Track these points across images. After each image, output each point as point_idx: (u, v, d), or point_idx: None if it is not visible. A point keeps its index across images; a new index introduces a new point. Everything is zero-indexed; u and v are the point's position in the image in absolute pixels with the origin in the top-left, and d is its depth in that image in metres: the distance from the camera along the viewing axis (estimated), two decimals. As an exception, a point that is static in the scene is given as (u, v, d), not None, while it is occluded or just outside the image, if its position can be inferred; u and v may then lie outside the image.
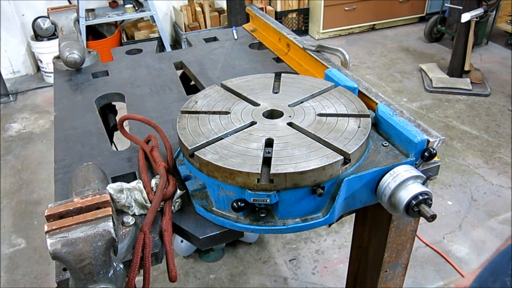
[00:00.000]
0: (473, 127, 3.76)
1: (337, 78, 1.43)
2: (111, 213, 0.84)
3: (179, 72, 1.95)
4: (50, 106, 4.13)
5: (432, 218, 1.01)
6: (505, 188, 3.03)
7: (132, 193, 1.08)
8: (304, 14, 5.59)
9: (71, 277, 0.85)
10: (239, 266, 2.52)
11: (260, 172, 1.00)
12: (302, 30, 5.69)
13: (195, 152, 1.08)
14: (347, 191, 1.09)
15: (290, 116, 1.22)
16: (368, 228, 1.43)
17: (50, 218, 0.82)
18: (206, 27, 5.18)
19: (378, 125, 1.28)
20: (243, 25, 2.40)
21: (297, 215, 1.07)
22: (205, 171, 1.07)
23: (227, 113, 1.25)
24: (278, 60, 1.95)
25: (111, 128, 1.91)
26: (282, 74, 1.47)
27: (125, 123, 1.38)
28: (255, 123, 1.20)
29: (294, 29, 5.59)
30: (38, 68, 4.94)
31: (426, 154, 1.14)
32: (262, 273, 2.47)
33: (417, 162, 1.15)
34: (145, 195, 1.09)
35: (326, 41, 5.60)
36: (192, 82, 1.99)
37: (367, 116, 1.21)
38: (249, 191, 1.01)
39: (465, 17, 3.89)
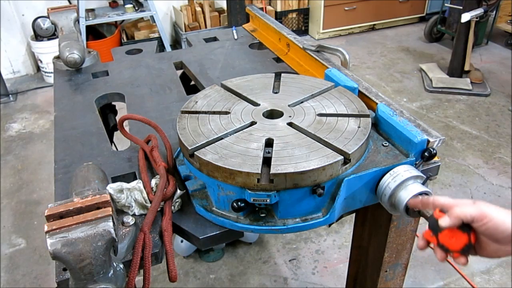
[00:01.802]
0: (473, 127, 3.76)
1: (337, 78, 1.43)
2: (111, 213, 0.84)
3: (179, 72, 1.95)
4: (50, 106, 4.12)
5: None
6: (505, 188, 3.03)
7: (132, 193, 1.08)
8: (304, 14, 5.58)
9: (71, 277, 0.85)
10: (239, 266, 2.52)
11: (260, 172, 1.00)
12: (302, 30, 5.69)
13: (195, 152, 1.08)
14: (347, 191, 1.09)
15: (290, 116, 1.22)
16: (368, 228, 1.43)
17: (50, 218, 0.82)
18: (206, 27, 5.17)
19: (378, 125, 1.28)
20: (243, 25, 2.40)
21: (297, 215, 1.07)
22: (205, 171, 1.07)
23: (227, 113, 1.25)
24: (278, 60, 1.95)
25: (111, 128, 1.91)
26: (282, 74, 1.47)
27: (125, 123, 1.38)
28: (255, 123, 1.20)
29: (294, 29, 5.59)
30: (38, 68, 4.93)
31: (426, 154, 1.14)
32: (262, 273, 2.47)
33: (417, 162, 1.15)
34: (145, 195, 1.09)
35: (326, 41, 5.60)
36: (192, 82, 1.99)
37: (367, 116, 1.21)
38: (249, 191, 1.01)
39: (465, 17, 3.88)
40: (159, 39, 4.85)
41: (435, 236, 0.85)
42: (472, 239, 0.81)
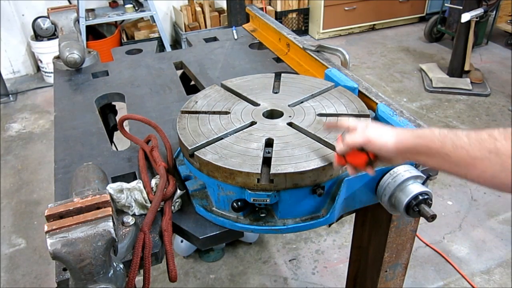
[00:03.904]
0: (473, 127, 3.76)
1: (337, 78, 1.43)
2: (111, 213, 0.84)
3: (179, 72, 1.95)
4: (50, 106, 4.12)
5: (432, 218, 1.01)
6: (505, 188, 3.02)
7: (132, 193, 1.08)
8: (304, 14, 5.58)
9: (71, 277, 0.85)
10: (239, 266, 2.52)
11: (260, 172, 1.00)
12: (302, 30, 5.69)
13: (195, 152, 1.08)
14: (347, 191, 1.09)
15: (290, 116, 1.22)
16: (368, 228, 1.43)
17: (50, 218, 0.82)
18: (206, 27, 5.17)
19: (378, 125, 1.28)
20: (243, 25, 2.40)
21: (297, 215, 1.07)
22: (205, 171, 1.07)
23: (227, 113, 1.25)
24: (278, 60, 1.95)
25: (111, 128, 1.91)
26: (282, 74, 1.48)
27: (125, 123, 1.38)
28: (255, 123, 1.20)
29: (294, 29, 5.59)
30: (38, 68, 4.93)
31: (426, 154, 1.14)
32: (262, 273, 2.47)
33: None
34: (145, 195, 1.09)
35: (326, 41, 5.60)
36: (192, 82, 1.99)
37: (367, 116, 1.21)
38: (249, 191, 1.01)
39: (465, 17, 3.88)
40: (159, 39, 4.85)
41: (343, 157, 0.99)
42: (371, 156, 0.95)
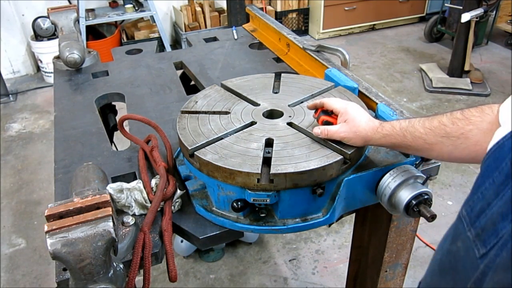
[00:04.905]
0: (473, 127, 3.75)
1: (337, 78, 1.43)
2: (111, 213, 0.84)
3: (179, 72, 1.95)
4: (50, 106, 4.12)
5: (432, 218, 1.01)
6: (505, 188, 3.02)
7: (132, 193, 1.08)
8: (304, 14, 5.58)
9: (71, 277, 0.85)
10: (239, 266, 2.52)
11: (260, 172, 1.00)
12: (302, 30, 5.69)
13: (195, 152, 1.08)
14: (347, 191, 1.09)
15: (290, 116, 1.22)
16: (368, 228, 1.43)
17: (50, 218, 0.82)
18: (206, 27, 5.17)
19: (378, 125, 1.28)
20: (243, 25, 2.40)
21: (297, 215, 1.07)
22: (205, 171, 1.07)
23: (227, 113, 1.25)
24: (278, 60, 1.95)
25: (111, 128, 1.91)
26: (282, 74, 1.47)
27: (125, 123, 1.38)
28: (255, 123, 1.20)
29: (294, 29, 5.59)
30: (38, 68, 4.93)
31: (426, 154, 1.14)
32: (262, 273, 2.47)
33: (417, 162, 1.15)
34: (145, 195, 1.09)
35: (326, 41, 5.60)
36: (192, 82, 1.99)
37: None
38: (249, 191, 1.01)
39: (465, 17, 3.88)
40: (159, 39, 4.85)
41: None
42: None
